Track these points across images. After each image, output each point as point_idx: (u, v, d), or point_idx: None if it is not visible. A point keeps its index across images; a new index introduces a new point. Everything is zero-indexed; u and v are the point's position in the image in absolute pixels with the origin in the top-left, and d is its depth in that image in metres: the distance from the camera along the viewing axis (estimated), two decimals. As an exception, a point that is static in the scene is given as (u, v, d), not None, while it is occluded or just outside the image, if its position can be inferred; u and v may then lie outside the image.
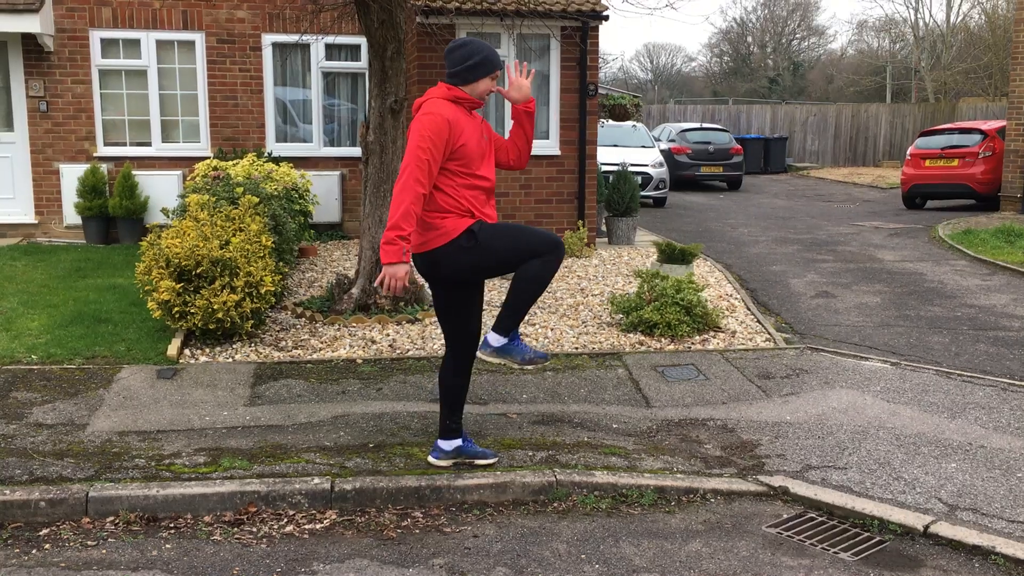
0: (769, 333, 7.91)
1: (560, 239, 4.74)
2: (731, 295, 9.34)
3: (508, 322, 4.71)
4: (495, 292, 8.95)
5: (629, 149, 18.34)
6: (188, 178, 11.53)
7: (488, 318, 6.63)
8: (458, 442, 4.94)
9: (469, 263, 4.60)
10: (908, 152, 18.57)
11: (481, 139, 4.63)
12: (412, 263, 4.67)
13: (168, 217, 9.15)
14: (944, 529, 4.36)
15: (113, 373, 6.54)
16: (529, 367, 4.85)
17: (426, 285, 8.59)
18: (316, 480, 4.74)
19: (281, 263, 8.36)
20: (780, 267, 11.32)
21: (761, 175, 27.97)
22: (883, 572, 4.06)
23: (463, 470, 4.89)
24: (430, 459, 4.98)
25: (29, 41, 12.04)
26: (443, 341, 7.45)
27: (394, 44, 7.97)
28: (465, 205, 4.55)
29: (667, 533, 4.44)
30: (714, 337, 7.71)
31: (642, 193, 15.70)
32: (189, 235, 7.20)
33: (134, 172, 12.15)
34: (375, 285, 5.00)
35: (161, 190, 12.19)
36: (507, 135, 4.94)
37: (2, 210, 12.50)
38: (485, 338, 4.77)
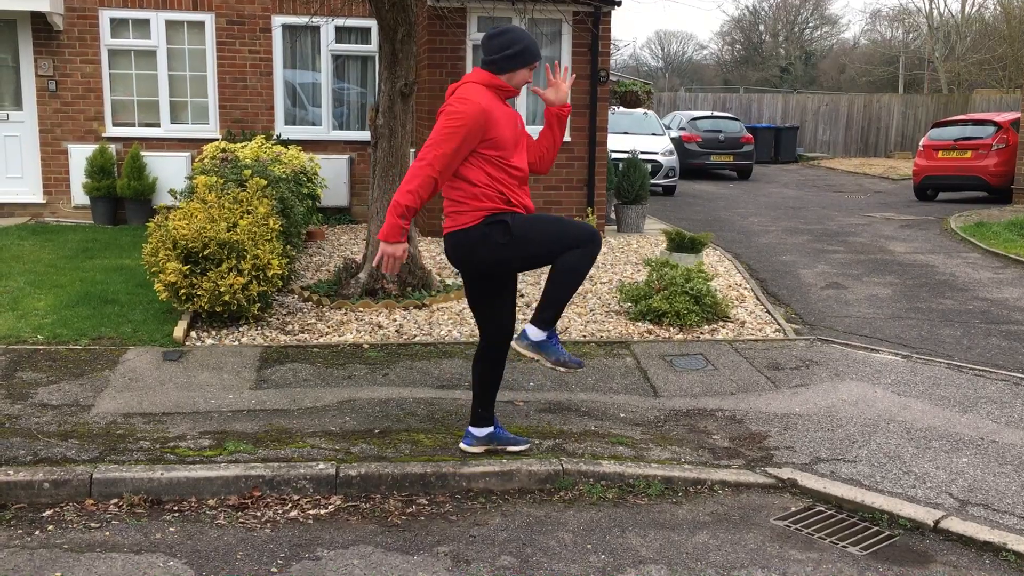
0: (779, 324, 7.85)
1: (596, 230, 4.62)
2: (740, 285, 9.28)
3: (547, 314, 4.58)
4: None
5: (639, 137, 18.26)
6: (196, 160, 11.48)
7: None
8: (490, 429, 4.91)
9: (503, 257, 4.51)
10: (920, 143, 18.45)
11: (515, 128, 4.55)
12: (444, 248, 4.63)
13: (176, 198, 9.10)
14: (955, 525, 4.32)
15: (119, 354, 6.52)
16: (561, 369, 4.63)
17: (434, 270, 8.57)
18: (321, 465, 4.71)
19: (288, 246, 8.31)
20: (790, 257, 11.24)
21: (772, 164, 27.84)
22: (892, 567, 4.02)
23: (469, 457, 4.86)
24: (462, 445, 4.95)
25: (38, 20, 12.00)
26: (450, 327, 7.48)
27: (405, 27, 7.90)
28: (498, 188, 4.45)
29: (674, 524, 4.40)
30: (723, 327, 7.66)
31: (652, 181, 15.64)
32: (196, 217, 7.16)
33: (142, 153, 12.12)
34: (373, 265, 4.91)
35: (169, 171, 12.16)
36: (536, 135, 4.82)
37: (10, 189, 12.48)
38: (524, 330, 4.65)
